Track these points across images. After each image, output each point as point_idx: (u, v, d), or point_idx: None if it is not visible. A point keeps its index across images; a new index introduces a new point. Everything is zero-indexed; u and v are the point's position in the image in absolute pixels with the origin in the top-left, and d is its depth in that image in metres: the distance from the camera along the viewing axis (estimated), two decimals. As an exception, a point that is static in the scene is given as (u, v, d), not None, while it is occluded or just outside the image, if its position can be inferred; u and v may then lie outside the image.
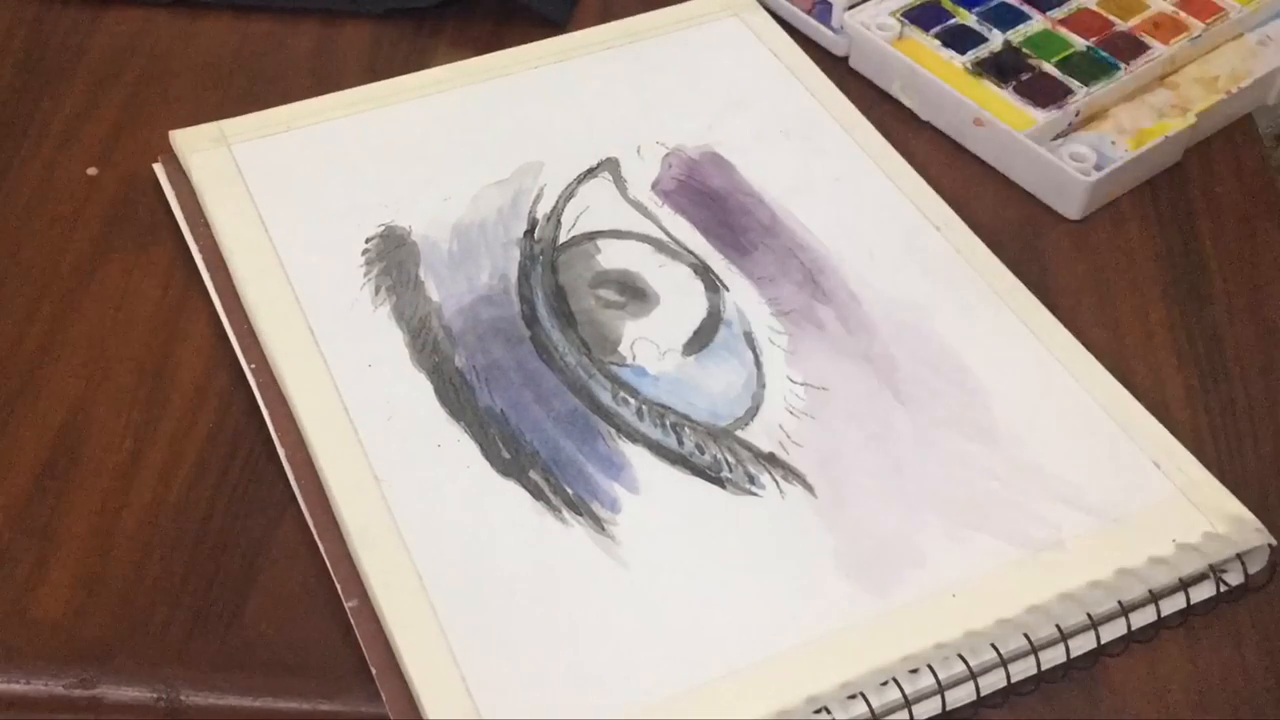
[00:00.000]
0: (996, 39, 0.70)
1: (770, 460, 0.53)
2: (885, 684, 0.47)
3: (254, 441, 0.55)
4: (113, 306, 0.60)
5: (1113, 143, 0.66)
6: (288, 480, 0.53)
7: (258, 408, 0.55)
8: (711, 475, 0.53)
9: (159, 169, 0.64)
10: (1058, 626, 0.49)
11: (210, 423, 0.56)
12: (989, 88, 0.68)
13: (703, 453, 0.54)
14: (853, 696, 0.47)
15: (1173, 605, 0.50)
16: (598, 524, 0.51)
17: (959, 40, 0.70)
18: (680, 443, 0.54)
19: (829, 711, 0.47)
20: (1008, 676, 0.48)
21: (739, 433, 0.54)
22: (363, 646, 0.49)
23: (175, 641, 0.50)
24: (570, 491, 0.52)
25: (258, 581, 0.51)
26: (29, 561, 0.51)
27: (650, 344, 0.57)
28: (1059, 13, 0.72)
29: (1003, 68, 0.69)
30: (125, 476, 0.54)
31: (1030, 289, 0.59)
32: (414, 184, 0.63)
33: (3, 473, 0.54)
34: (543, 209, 0.62)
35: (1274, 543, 0.51)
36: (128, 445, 0.55)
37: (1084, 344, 0.58)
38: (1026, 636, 0.49)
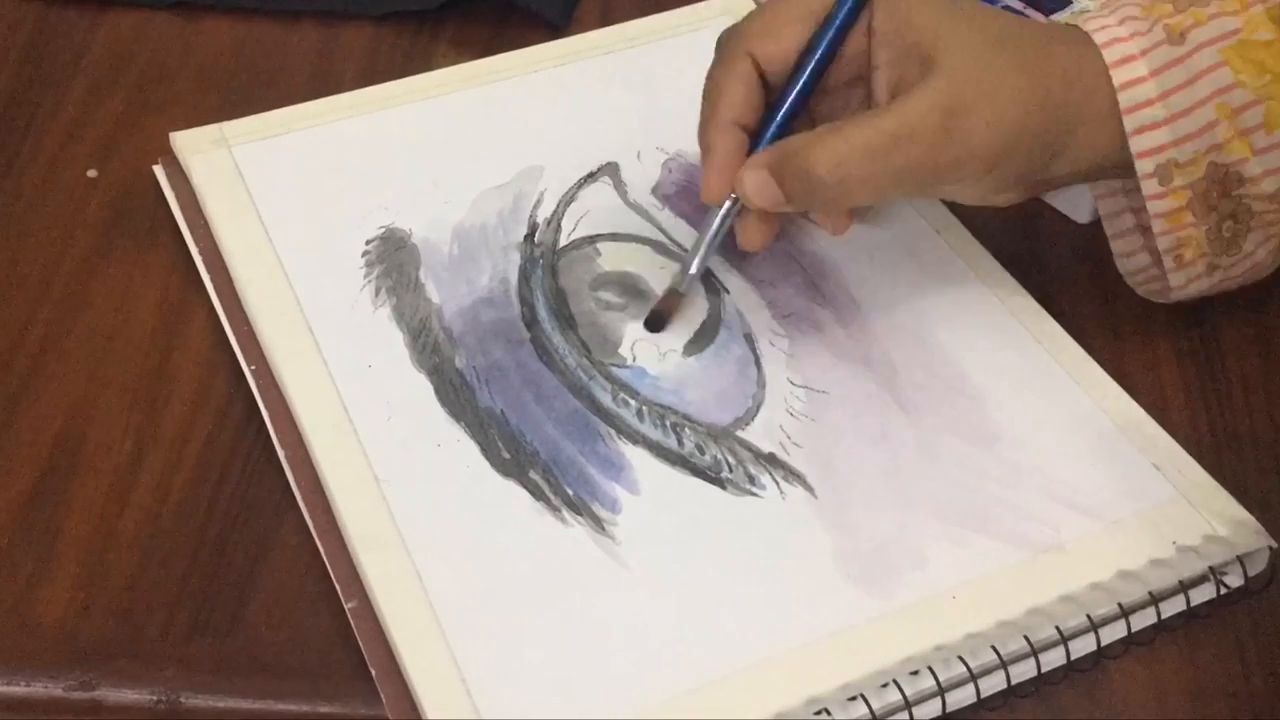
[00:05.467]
0: (996, 43, 0.70)
1: (771, 461, 0.53)
2: (885, 685, 0.47)
3: (254, 442, 0.55)
4: (113, 307, 0.60)
5: (1115, 146, 0.66)
6: (288, 481, 0.53)
7: (258, 409, 0.55)
8: (712, 476, 0.53)
9: (159, 171, 0.64)
10: (1058, 628, 0.49)
11: (210, 424, 0.56)
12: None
13: (703, 453, 0.54)
14: (853, 698, 0.47)
15: (1173, 608, 0.50)
16: (598, 524, 0.51)
17: (959, 44, 0.70)
18: (680, 443, 0.54)
19: (829, 713, 0.47)
20: (1008, 678, 0.48)
21: (739, 433, 0.54)
22: (362, 647, 0.49)
23: (175, 643, 0.49)
24: (570, 492, 0.52)
25: (258, 583, 0.51)
26: (29, 563, 0.51)
27: (651, 345, 0.57)
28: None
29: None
30: (125, 478, 0.54)
31: (1030, 291, 0.59)
32: (414, 187, 0.63)
33: (3, 473, 0.54)
34: (543, 213, 0.62)
35: (1274, 545, 0.51)
36: (128, 446, 0.55)
37: (1084, 346, 0.58)
38: (1027, 638, 0.49)
